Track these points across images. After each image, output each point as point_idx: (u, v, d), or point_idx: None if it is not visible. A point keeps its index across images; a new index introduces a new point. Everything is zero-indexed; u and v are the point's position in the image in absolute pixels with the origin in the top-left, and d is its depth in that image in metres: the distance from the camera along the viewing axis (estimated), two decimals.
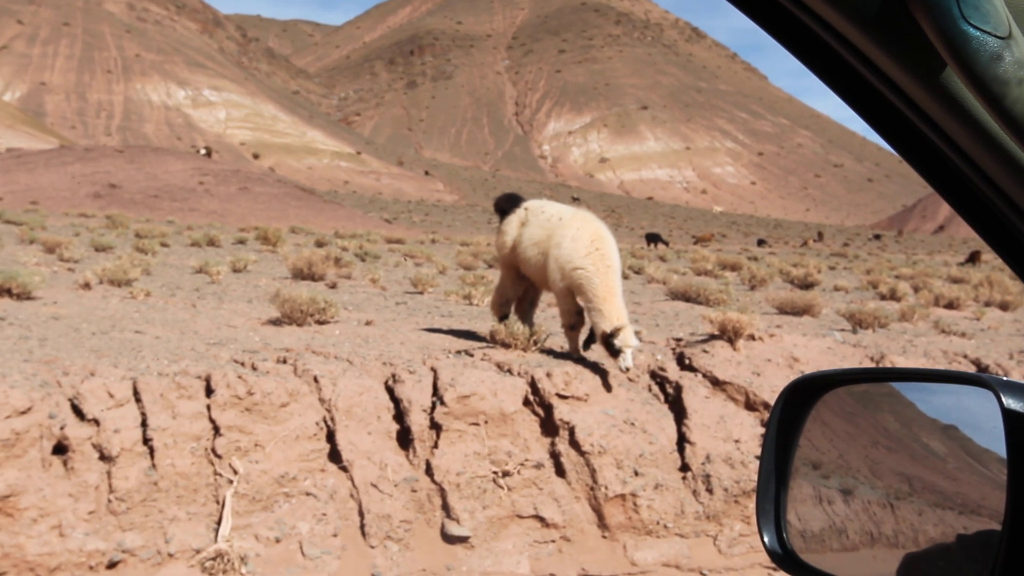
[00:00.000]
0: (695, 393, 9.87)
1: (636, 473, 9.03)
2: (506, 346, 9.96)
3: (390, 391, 8.98)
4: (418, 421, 8.77)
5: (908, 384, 1.61)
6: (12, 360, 8.05)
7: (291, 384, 8.49)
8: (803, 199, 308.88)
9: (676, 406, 9.80)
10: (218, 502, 7.82)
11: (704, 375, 10.11)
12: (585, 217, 9.80)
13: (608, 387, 9.57)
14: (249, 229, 40.16)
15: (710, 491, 9.22)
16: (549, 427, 9.15)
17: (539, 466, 8.92)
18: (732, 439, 9.53)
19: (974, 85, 0.90)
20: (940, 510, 1.42)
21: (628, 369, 9.02)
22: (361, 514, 8.23)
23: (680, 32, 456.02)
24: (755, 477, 1.66)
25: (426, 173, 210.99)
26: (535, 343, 9.98)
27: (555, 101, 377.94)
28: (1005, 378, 1.23)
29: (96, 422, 7.56)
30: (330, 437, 8.48)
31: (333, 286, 17.12)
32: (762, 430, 8.74)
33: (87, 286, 14.30)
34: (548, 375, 9.30)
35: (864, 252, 66.89)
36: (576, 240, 9.42)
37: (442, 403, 8.79)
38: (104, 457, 7.50)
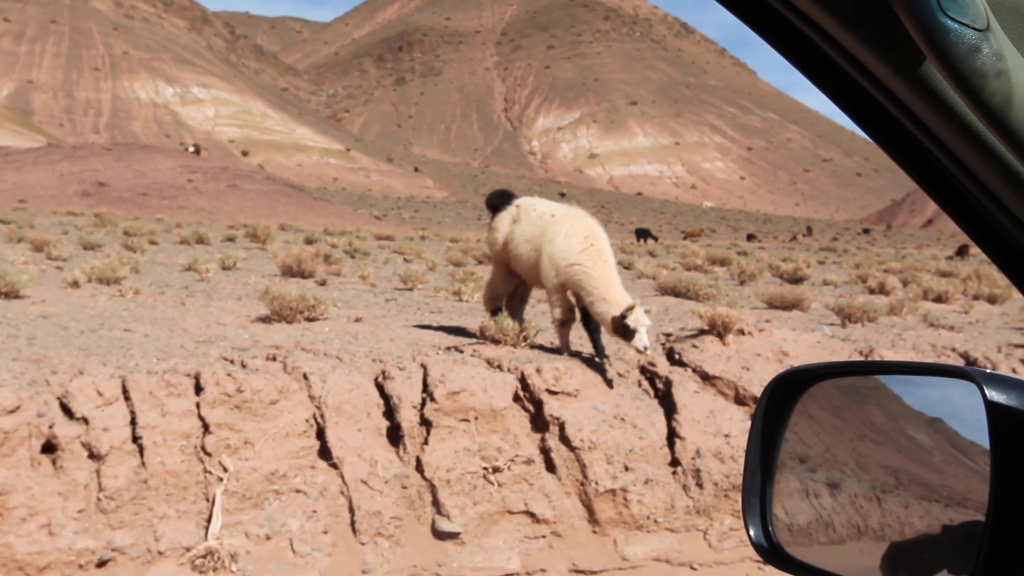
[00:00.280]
0: (685, 388, 9.88)
1: (626, 468, 9.05)
2: (496, 342, 9.96)
3: (380, 388, 8.98)
4: (408, 418, 8.77)
5: (894, 377, 1.62)
6: (0, 359, 8.03)
7: (281, 381, 8.48)
8: (792, 194, 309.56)
9: (666, 401, 9.82)
10: (208, 500, 7.81)
11: (694, 370, 10.13)
12: (578, 214, 9.85)
13: (609, 383, 9.57)
14: (238, 226, 40.07)
15: (700, 486, 9.24)
16: (539, 423, 9.16)
17: (529, 462, 8.93)
18: (722, 433, 9.55)
19: (952, 78, 0.90)
20: (926, 502, 1.43)
21: (646, 348, 9.03)
22: (351, 511, 8.23)
23: (669, 27, 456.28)
24: None
25: (415, 170, 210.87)
26: (525, 339, 9.99)
27: (544, 97, 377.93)
28: (988, 370, 1.23)
29: (85, 420, 7.54)
30: (320, 434, 8.48)
31: (323, 283, 17.09)
32: None
33: (75, 284, 14.25)
34: (538, 371, 9.31)
35: (853, 246, 67.08)
36: (570, 236, 9.46)
37: (432, 399, 8.79)
38: (93, 455, 7.48)
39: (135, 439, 7.68)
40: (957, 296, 19.66)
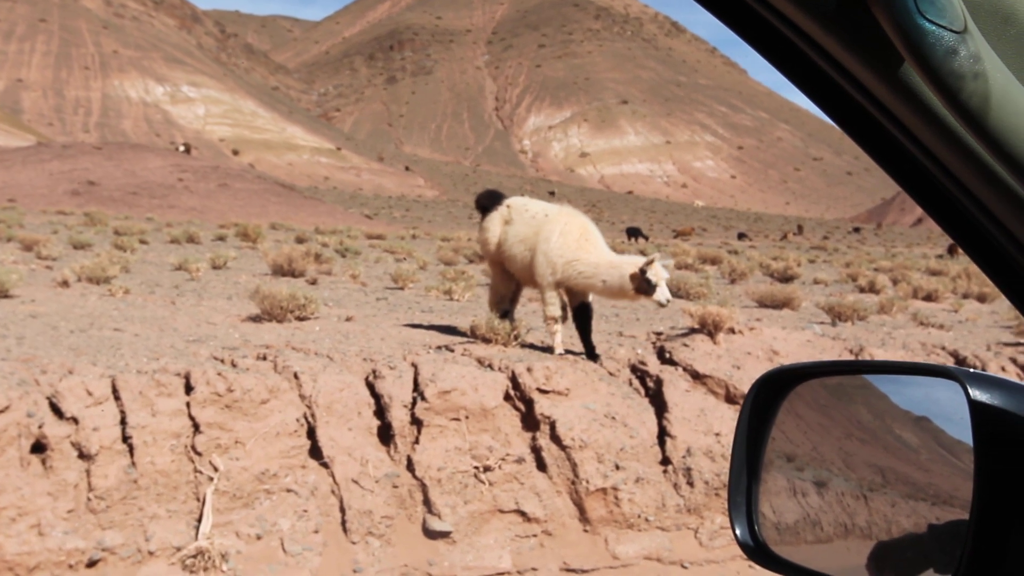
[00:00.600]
0: (675, 387, 9.89)
1: (617, 467, 9.06)
2: (487, 341, 9.97)
3: (371, 387, 8.97)
4: (399, 417, 8.76)
5: (881, 376, 1.62)
6: None
7: (271, 381, 8.47)
8: (783, 192, 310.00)
9: (657, 400, 9.83)
10: (198, 499, 7.80)
11: (684, 369, 10.14)
12: (571, 212, 9.93)
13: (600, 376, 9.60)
14: (229, 226, 39.99)
15: (691, 484, 9.25)
16: (530, 422, 9.17)
17: (520, 461, 8.93)
18: (712, 432, 9.56)
19: (930, 80, 0.90)
20: (913, 501, 1.43)
21: (668, 301, 9.17)
22: (342, 510, 8.22)
23: (660, 26, 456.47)
24: None
25: (406, 169, 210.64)
26: (516, 338, 10.00)
27: (535, 96, 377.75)
28: (972, 370, 1.24)
29: (75, 420, 7.53)
30: (311, 434, 8.47)
31: (313, 282, 17.08)
32: None
33: (65, 284, 14.22)
34: (529, 370, 9.31)
35: (843, 245, 67.25)
36: (565, 235, 9.55)
37: (423, 399, 8.79)
38: (83, 455, 7.47)
39: (125, 439, 7.67)
40: (947, 295, 19.73)
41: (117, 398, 7.82)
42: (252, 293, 12.19)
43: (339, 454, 8.41)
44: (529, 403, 9.18)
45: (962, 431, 1.23)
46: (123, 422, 7.72)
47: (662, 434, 9.56)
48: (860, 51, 0.96)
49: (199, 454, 7.90)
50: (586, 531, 8.94)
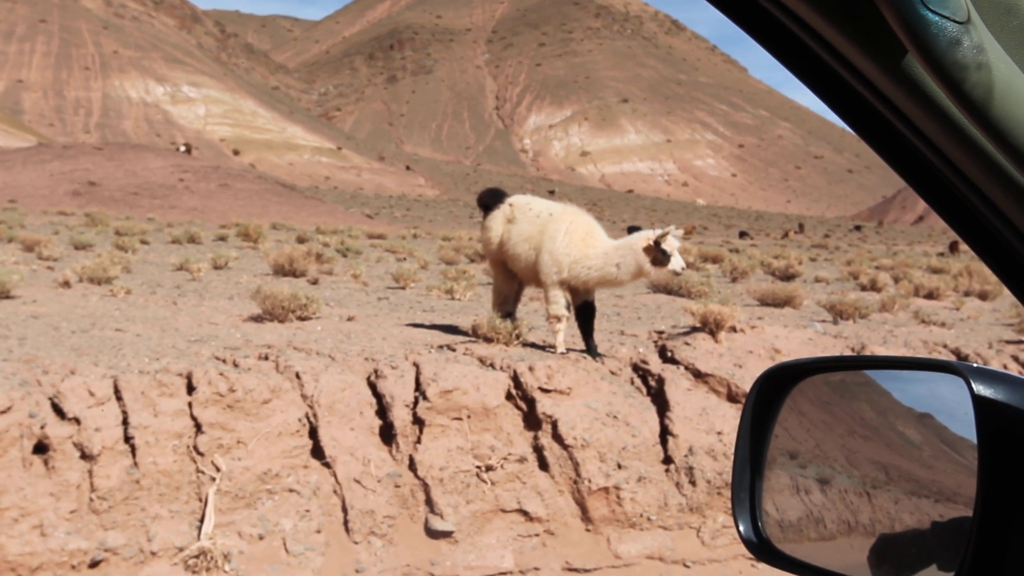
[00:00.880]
0: (677, 385, 9.89)
1: (619, 466, 9.05)
2: (488, 340, 9.97)
3: (372, 387, 8.97)
4: (401, 416, 8.76)
5: (883, 373, 1.62)
6: None
7: (273, 381, 8.47)
8: (784, 191, 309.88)
9: (658, 399, 9.83)
10: (201, 500, 7.80)
11: (686, 367, 10.14)
12: (576, 211, 9.97)
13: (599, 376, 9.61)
14: (230, 226, 39.98)
15: (693, 483, 9.25)
16: (532, 421, 9.16)
17: (522, 460, 8.93)
18: (714, 431, 9.56)
19: (933, 70, 0.90)
20: (916, 498, 1.43)
21: (683, 269, 9.36)
22: (344, 510, 8.23)
23: (660, 25, 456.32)
24: None
25: (407, 168, 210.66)
26: (517, 337, 9.99)
27: (535, 95, 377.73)
28: (975, 364, 1.24)
29: (77, 421, 7.53)
30: (313, 433, 8.47)
31: (315, 282, 17.08)
32: None
33: (67, 284, 14.22)
34: (531, 369, 9.31)
35: (845, 243, 67.20)
36: (571, 233, 9.58)
37: (425, 398, 8.79)
38: (85, 456, 7.47)
39: (127, 439, 7.67)
40: (948, 292, 19.72)
41: (119, 398, 7.82)
42: (253, 293, 12.19)
43: (341, 454, 8.41)
44: (531, 402, 9.18)
45: (965, 427, 1.23)
46: (125, 422, 7.72)
47: (664, 433, 9.56)
48: (863, 42, 0.96)
49: (201, 454, 7.90)
50: (588, 530, 8.94)
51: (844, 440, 1.67)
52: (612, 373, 9.94)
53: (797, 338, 11.02)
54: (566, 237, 9.55)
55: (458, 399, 8.86)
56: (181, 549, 7.51)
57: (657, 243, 9.22)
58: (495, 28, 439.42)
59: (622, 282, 9.76)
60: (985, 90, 0.91)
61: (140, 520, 7.51)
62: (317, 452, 8.42)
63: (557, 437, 9.02)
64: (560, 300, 9.72)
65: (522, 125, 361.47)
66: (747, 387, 9.93)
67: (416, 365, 9.12)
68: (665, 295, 16.72)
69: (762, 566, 8.75)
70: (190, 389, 8.12)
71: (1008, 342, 12.04)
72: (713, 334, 10.56)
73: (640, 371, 10.12)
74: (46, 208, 53.08)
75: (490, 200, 10.51)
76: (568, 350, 9.94)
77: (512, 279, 10.38)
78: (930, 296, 18.96)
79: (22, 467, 7.23)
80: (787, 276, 23.12)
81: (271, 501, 8.03)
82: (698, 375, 10.09)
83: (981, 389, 1.17)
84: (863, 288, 20.67)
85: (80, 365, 8.10)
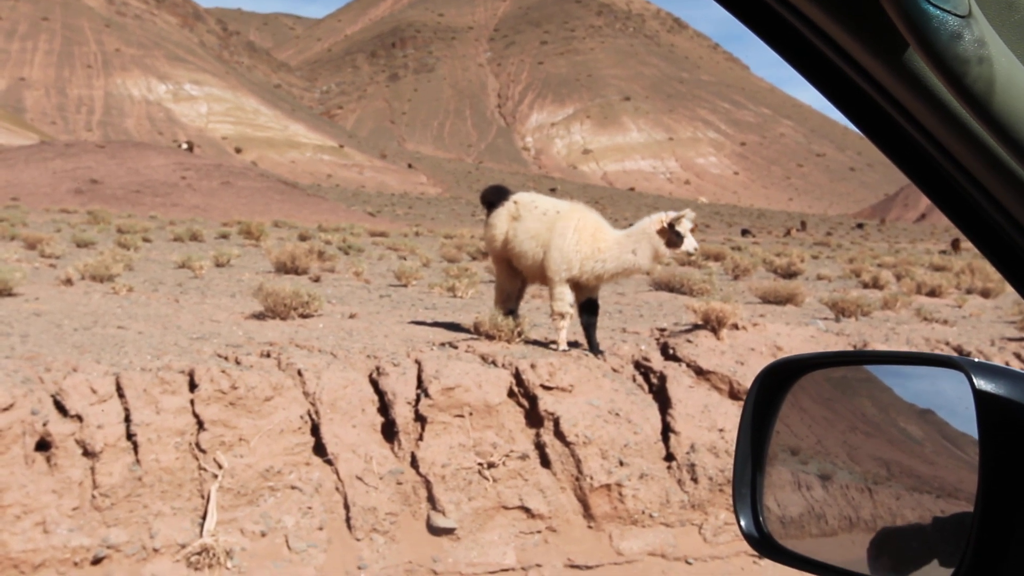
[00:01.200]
0: (679, 383, 9.89)
1: (621, 463, 9.06)
2: (490, 338, 9.97)
3: (374, 384, 8.98)
4: (403, 413, 8.77)
5: (885, 369, 1.62)
6: None
7: (275, 378, 8.47)
8: (786, 189, 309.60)
9: (660, 396, 9.83)
10: (203, 497, 7.81)
11: (688, 365, 10.14)
12: (583, 208, 10.02)
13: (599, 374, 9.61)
14: (232, 223, 39.99)
15: (695, 480, 9.25)
16: (534, 418, 9.17)
17: (524, 457, 8.94)
18: (716, 428, 9.56)
19: (935, 64, 0.90)
20: (918, 494, 1.43)
21: (696, 249, 9.57)
22: (347, 507, 8.23)
23: (662, 23, 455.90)
24: None
25: (409, 166, 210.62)
26: (519, 334, 9.99)
27: (537, 93, 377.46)
28: (976, 359, 1.24)
29: (79, 418, 7.54)
30: (315, 430, 8.48)
31: (317, 279, 17.08)
32: None
33: (69, 282, 14.23)
34: (532, 366, 9.31)
35: (847, 241, 67.15)
36: (580, 231, 9.61)
37: (427, 395, 8.79)
38: (88, 453, 7.48)
39: (129, 436, 7.68)
40: (950, 290, 19.72)
41: (121, 396, 7.83)
42: (256, 290, 12.20)
43: (343, 451, 8.42)
44: (533, 399, 9.18)
45: (967, 423, 1.23)
46: (127, 420, 7.73)
47: (666, 430, 9.56)
48: (864, 37, 0.96)
49: (203, 451, 7.91)
50: (590, 527, 8.95)
51: (845, 436, 1.67)
52: (614, 370, 9.94)
53: (799, 336, 11.02)
54: (576, 234, 9.56)
55: (460, 396, 8.86)
56: (183, 546, 7.52)
57: (672, 225, 9.37)
58: (497, 26, 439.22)
59: (640, 268, 9.82)
60: (986, 84, 0.91)
61: (142, 517, 7.52)
62: (319, 449, 8.43)
63: (559, 434, 9.03)
64: (566, 297, 9.71)
65: (524, 123, 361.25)
66: (749, 384, 9.93)
67: (418, 362, 9.13)
68: (667, 293, 16.72)
69: (764, 563, 8.76)
70: (192, 386, 8.13)
71: (1011, 339, 12.03)
72: (715, 331, 10.56)
73: (642, 368, 10.12)
74: (48, 206, 53.10)
75: (494, 197, 10.49)
76: (570, 347, 9.94)
77: (515, 276, 10.37)
78: (932, 294, 18.96)
79: (24, 464, 7.24)
80: (789, 274, 23.13)
81: (273, 498, 8.04)
82: (700, 372, 10.09)
83: (982, 384, 1.17)
84: (865, 286, 20.66)
85: (82, 362, 8.11)
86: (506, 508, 8.72)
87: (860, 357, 1.76)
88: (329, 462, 8.37)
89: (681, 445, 9.42)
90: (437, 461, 8.60)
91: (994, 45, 0.91)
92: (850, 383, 1.68)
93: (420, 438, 8.73)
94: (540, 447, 9.07)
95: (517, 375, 9.29)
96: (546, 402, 9.13)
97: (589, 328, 9.95)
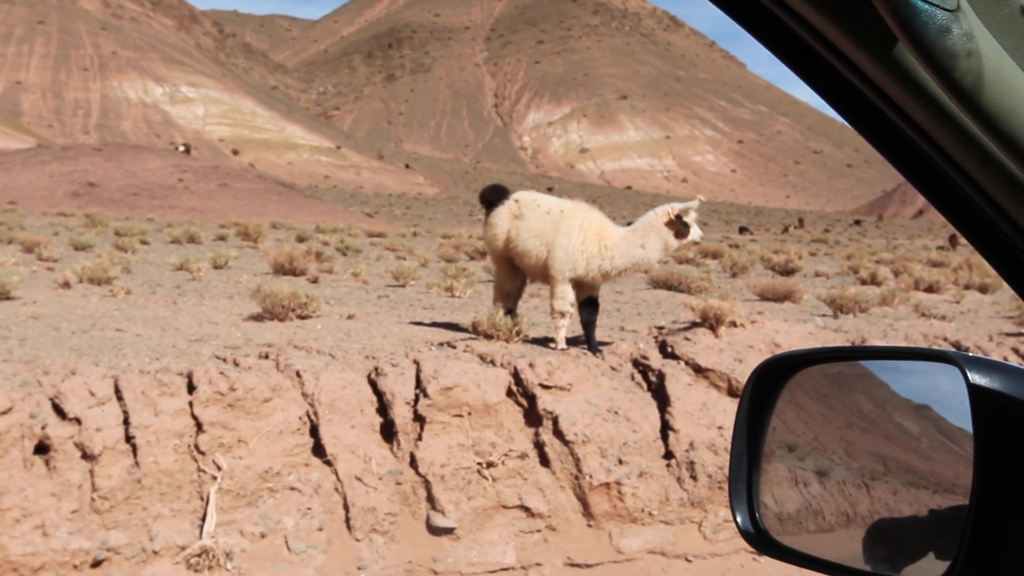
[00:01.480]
0: (678, 381, 9.89)
1: (620, 461, 9.06)
2: (489, 337, 9.97)
3: (373, 384, 8.98)
4: (401, 414, 8.77)
5: (880, 364, 1.62)
6: None
7: (274, 379, 8.47)
8: (783, 186, 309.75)
9: (659, 394, 9.83)
10: (202, 498, 7.80)
11: (686, 362, 10.14)
12: (587, 207, 10.06)
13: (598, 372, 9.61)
14: (229, 225, 39.98)
15: (694, 478, 9.25)
16: (533, 417, 9.17)
17: (523, 456, 8.94)
18: (715, 426, 9.56)
19: (923, 58, 0.90)
20: (914, 489, 1.43)
21: (702, 238, 9.87)
22: (346, 507, 8.23)
23: (658, 21, 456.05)
24: None
25: (406, 166, 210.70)
26: (518, 334, 9.99)
27: (534, 92, 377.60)
28: (971, 354, 1.24)
29: (78, 421, 7.53)
30: (314, 431, 8.47)
31: (315, 281, 17.08)
32: None
33: (67, 285, 14.22)
34: (531, 365, 9.31)
35: (844, 238, 67.19)
36: (585, 230, 9.64)
37: (425, 395, 8.79)
38: (86, 456, 7.48)
39: (128, 439, 7.68)
40: (948, 286, 19.72)
41: (120, 398, 7.83)
42: (253, 292, 12.19)
43: (342, 452, 8.42)
44: (531, 399, 9.18)
45: (963, 418, 1.23)
46: (126, 422, 7.72)
47: (665, 428, 9.56)
48: (854, 32, 0.96)
49: (202, 453, 7.90)
50: (590, 526, 8.95)
51: (842, 432, 1.67)
52: (613, 369, 9.94)
53: (797, 332, 11.02)
54: (581, 233, 9.57)
55: (459, 396, 8.86)
56: (183, 548, 7.52)
57: (679, 216, 9.50)
58: (493, 26, 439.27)
59: (650, 262, 9.87)
60: (975, 78, 0.91)
61: (142, 519, 7.52)
62: (318, 450, 8.43)
63: (558, 433, 9.02)
64: (567, 296, 9.71)
65: (521, 123, 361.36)
66: None
67: (416, 362, 9.13)
68: (665, 291, 16.72)
69: (764, 560, 8.76)
70: (191, 388, 8.13)
71: (1009, 334, 12.04)
72: (713, 329, 10.56)
73: (641, 367, 10.12)
74: (46, 209, 53.10)
75: (493, 196, 10.46)
76: (568, 346, 9.94)
77: (515, 275, 10.36)
78: (930, 290, 18.96)
79: (23, 467, 7.24)
80: (787, 271, 23.14)
81: (272, 499, 8.04)
82: (698, 370, 10.09)
83: (977, 378, 1.18)
84: (863, 282, 20.68)
85: (81, 365, 8.11)
86: (505, 507, 8.72)
87: (856, 353, 1.76)
88: (328, 463, 8.37)
89: (680, 443, 9.42)
90: (436, 461, 8.60)
91: (983, 39, 0.91)
92: (846, 379, 1.68)
93: (419, 438, 8.73)
94: (539, 446, 9.07)
95: (516, 374, 9.29)
96: (545, 401, 9.13)
97: (589, 326, 9.94)
